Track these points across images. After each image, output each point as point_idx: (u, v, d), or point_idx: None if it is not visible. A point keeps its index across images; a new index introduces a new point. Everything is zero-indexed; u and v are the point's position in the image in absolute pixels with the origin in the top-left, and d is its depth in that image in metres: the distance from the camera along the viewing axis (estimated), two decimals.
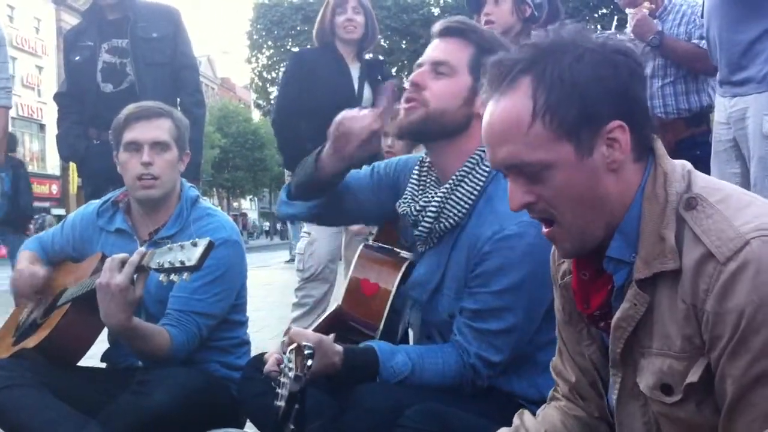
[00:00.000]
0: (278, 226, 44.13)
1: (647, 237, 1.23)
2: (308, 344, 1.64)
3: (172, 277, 2.00)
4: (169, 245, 2.05)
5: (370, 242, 2.15)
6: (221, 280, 2.41)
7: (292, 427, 1.58)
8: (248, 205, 52.65)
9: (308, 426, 1.69)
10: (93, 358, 2.56)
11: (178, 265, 1.98)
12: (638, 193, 1.26)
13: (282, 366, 1.64)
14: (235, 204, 49.61)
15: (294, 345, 1.64)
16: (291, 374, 1.59)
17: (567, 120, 1.23)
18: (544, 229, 1.31)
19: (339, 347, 1.79)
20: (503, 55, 1.31)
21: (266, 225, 50.06)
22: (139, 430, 2.17)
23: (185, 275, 1.99)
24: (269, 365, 1.83)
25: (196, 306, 2.35)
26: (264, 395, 1.84)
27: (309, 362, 1.60)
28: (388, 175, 2.13)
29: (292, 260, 14.89)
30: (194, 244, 1.98)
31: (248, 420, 2.35)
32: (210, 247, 1.98)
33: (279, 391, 1.62)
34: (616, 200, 1.26)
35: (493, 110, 1.29)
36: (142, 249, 2.14)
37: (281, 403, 1.59)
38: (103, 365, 2.60)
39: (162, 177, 2.43)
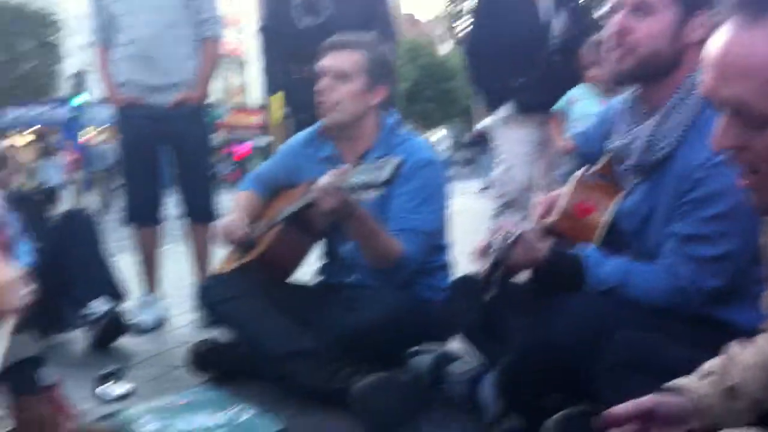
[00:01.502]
0: (469, 155, 44.18)
1: None
2: (517, 228, 1.76)
3: (365, 195, 2.12)
4: (363, 166, 2.17)
5: (591, 170, 2.15)
6: (432, 198, 2.52)
7: (495, 291, 1.69)
8: (439, 135, 52.98)
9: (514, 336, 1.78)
10: (307, 275, 2.76)
11: (369, 183, 2.09)
12: None
13: (490, 241, 1.75)
14: (428, 134, 50.02)
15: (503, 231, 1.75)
16: (495, 245, 1.70)
17: None
18: (743, 180, 1.21)
19: (547, 242, 1.82)
20: None
21: (458, 155, 50.27)
22: (348, 343, 2.33)
23: (376, 193, 2.11)
24: (480, 246, 1.87)
25: (416, 224, 2.46)
26: (469, 312, 1.93)
27: (516, 236, 1.72)
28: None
29: (485, 189, 14.93)
30: (384, 164, 2.08)
31: (453, 337, 2.49)
32: (399, 165, 2.08)
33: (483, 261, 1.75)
34: None
35: (739, 38, 1.11)
36: (341, 169, 2.26)
37: (486, 269, 1.71)
38: (317, 281, 2.79)
39: (339, 105, 2.55)
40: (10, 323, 1.81)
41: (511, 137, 4.13)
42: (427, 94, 43.02)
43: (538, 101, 4.02)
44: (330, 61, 2.57)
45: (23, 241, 3.50)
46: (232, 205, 2.81)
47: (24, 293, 1.83)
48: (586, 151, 2.22)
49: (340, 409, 2.16)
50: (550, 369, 1.72)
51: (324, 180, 2.23)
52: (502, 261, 1.71)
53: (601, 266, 1.83)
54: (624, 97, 2.00)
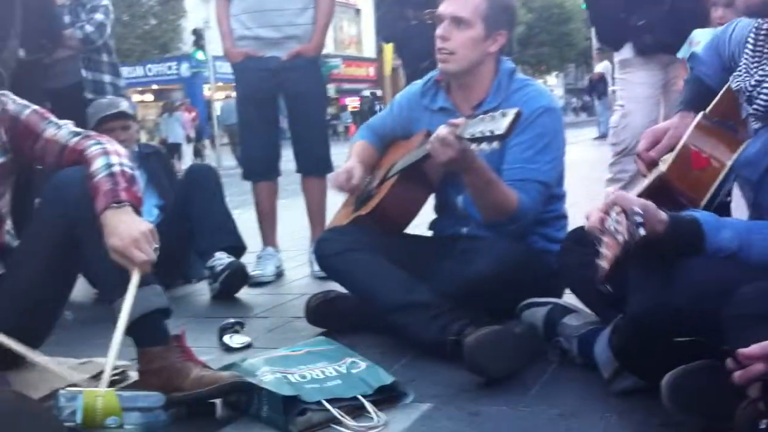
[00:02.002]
0: (584, 102, 42.99)
1: None
2: (638, 211, 1.59)
3: (483, 146, 2.08)
4: (480, 116, 2.12)
5: (707, 114, 2.03)
6: (549, 147, 2.46)
7: (609, 288, 1.62)
8: (554, 82, 51.79)
9: (630, 297, 1.71)
10: (421, 226, 2.76)
11: (487, 134, 2.05)
12: None
13: (607, 225, 1.63)
14: (541, 81, 48.93)
15: (619, 208, 1.61)
16: (620, 238, 1.57)
17: None
18: None
19: (664, 215, 1.70)
20: None
21: (573, 101, 48.99)
22: (462, 295, 2.33)
23: (495, 144, 2.06)
24: (592, 221, 1.74)
25: (533, 174, 2.42)
26: (583, 267, 1.88)
27: (641, 232, 1.56)
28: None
29: (600, 137, 14.55)
30: (503, 114, 2.04)
31: (567, 290, 2.44)
32: (518, 116, 2.03)
33: (601, 250, 1.63)
34: None
35: None
36: (458, 120, 2.22)
37: (604, 264, 1.61)
38: (430, 234, 2.79)
39: (457, 53, 2.50)
40: (137, 276, 1.90)
41: (631, 81, 3.99)
42: (541, 38, 41.94)
43: (660, 42, 3.84)
44: (448, 6, 2.53)
45: (149, 195, 3.66)
46: (347, 155, 2.82)
47: (153, 247, 1.91)
48: (701, 76, 2.08)
49: (452, 361, 2.17)
50: (669, 331, 1.66)
51: (441, 131, 2.21)
52: (626, 254, 1.59)
53: (719, 232, 1.71)
54: (752, 23, 1.85)
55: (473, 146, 2.10)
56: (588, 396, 1.98)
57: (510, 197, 2.36)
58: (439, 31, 2.52)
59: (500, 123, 2.02)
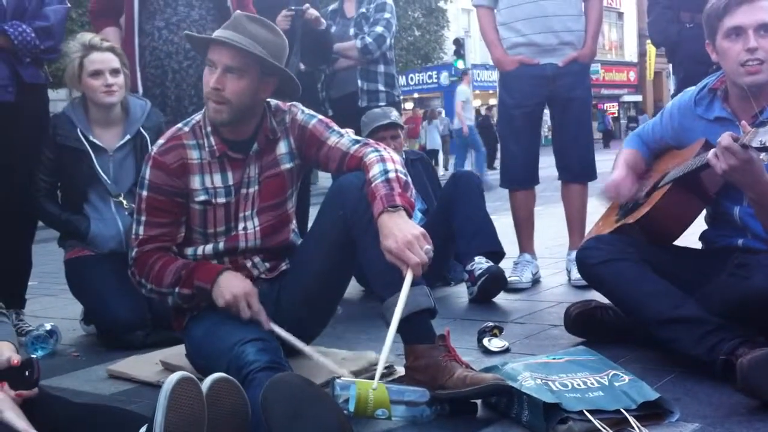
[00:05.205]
0: None
1: None
2: None
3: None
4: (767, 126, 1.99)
5: None
6: None
7: None
8: None
9: None
10: (688, 237, 2.64)
11: None
12: None
13: None
14: None
15: None
16: None
17: None
18: None
19: None
20: None
21: None
22: (737, 311, 2.20)
23: None
24: None
25: None
26: None
27: None
28: None
29: None
30: None
31: None
32: None
33: None
34: None
35: None
36: (747, 127, 2.09)
37: None
38: (699, 245, 2.67)
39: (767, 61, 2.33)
40: (410, 276, 2.01)
41: None
42: None
43: None
44: (751, 14, 2.33)
45: (415, 199, 3.83)
46: (616, 162, 2.76)
47: (425, 249, 2.02)
48: None
49: (722, 382, 2.07)
50: None
51: (725, 139, 2.11)
52: None
53: None
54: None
55: (762, 155, 1.99)
56: None
57: None
58: (752, 44, 2.34)
59: None
